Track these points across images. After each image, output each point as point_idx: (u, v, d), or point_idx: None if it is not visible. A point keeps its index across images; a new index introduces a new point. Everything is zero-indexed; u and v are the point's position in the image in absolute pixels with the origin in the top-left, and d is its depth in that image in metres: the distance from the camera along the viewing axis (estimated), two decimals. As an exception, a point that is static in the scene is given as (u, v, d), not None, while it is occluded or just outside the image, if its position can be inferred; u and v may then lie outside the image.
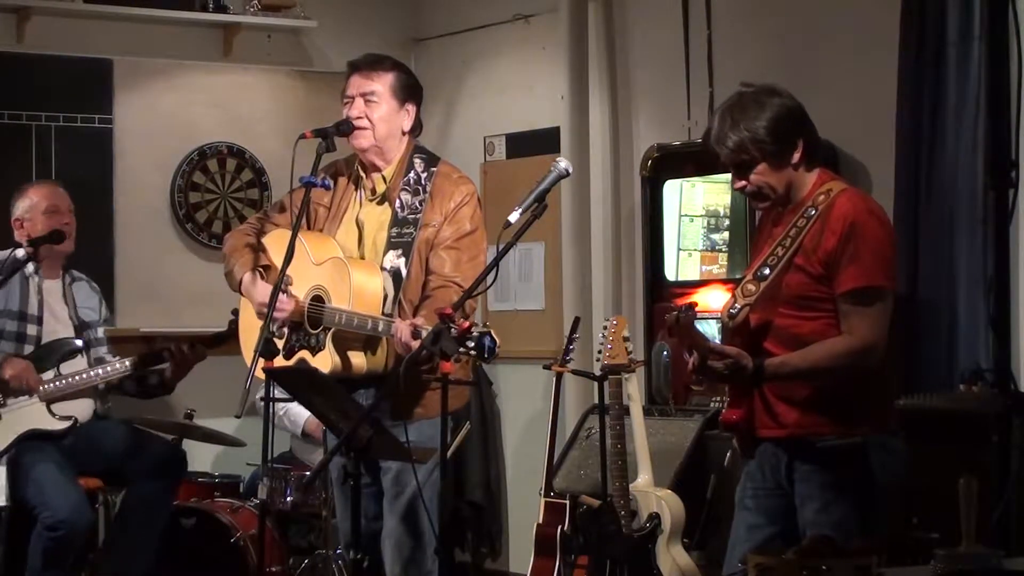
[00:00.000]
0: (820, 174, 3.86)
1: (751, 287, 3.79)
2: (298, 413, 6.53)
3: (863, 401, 3.77)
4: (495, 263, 4.01)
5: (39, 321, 5.69)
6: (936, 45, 5.43)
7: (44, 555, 5.43)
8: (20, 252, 5.69)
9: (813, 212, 3.78)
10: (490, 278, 4.08)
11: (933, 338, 5.40)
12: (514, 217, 4.02)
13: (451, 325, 3.88)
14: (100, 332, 5.88)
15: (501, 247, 4.00)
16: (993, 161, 4.83)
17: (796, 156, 3.80)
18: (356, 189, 4.70)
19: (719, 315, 3.97)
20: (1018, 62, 4.42)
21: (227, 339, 5.43)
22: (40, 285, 5.73)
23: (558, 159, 4.20)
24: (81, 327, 5.78)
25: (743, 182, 3.83)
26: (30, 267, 5.71)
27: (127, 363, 5.69)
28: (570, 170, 4.20)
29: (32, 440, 5.57)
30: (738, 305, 3.78)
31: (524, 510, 6.60)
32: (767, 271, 3.78)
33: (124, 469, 5.75)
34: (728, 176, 3.96)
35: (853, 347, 3.71)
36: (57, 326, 5.73)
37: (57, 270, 5.83)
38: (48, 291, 5.75)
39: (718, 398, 5.83)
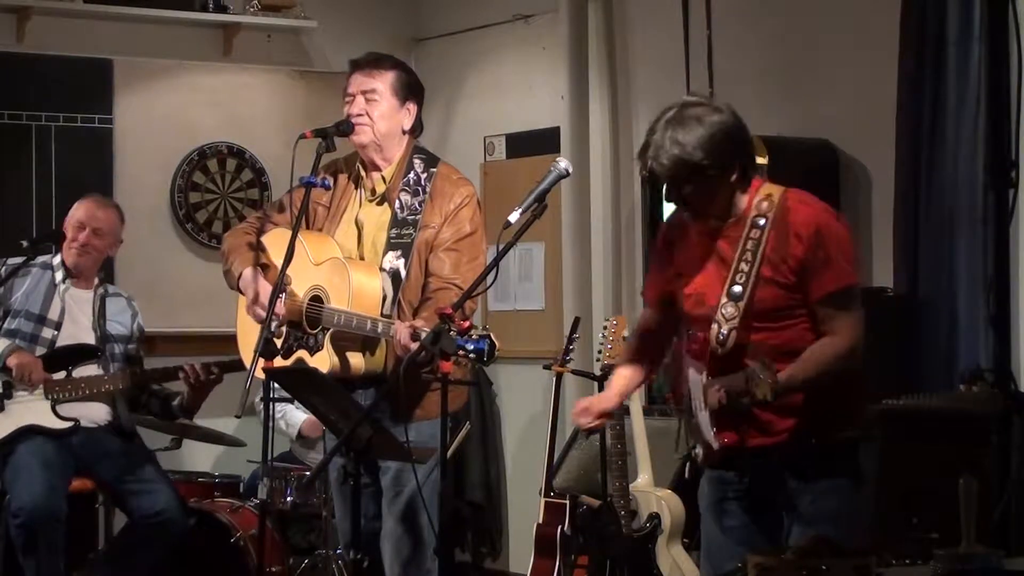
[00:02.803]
0: (753, 181, 3.77)
1: (731, 310, 3.69)
2: (294, 416, 6.53)
3: (847, 402, 3.76)
4: (495, 263, 4.01)
5: (57, 327, 5.66)
6: (936, 45, 5.43)
7: (17, 541, 5.41)
8: (55, 260, 5.70)
9: (763, 221, 3.70)
10: (490, 278, 4.07)
11: (933, 338, 5.40)
12: (514, 217, 4.01)
13: (451, 325, 3.88)
14: (130, 347, 5.80)
15: (501, 247, 4.00)
16: (993, 161, 4.83)
17: (733, 177, 3.71)
18: (356, 188, 4.69)
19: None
20: (1018, 62, 4.42)
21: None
22: (66, 293, 5.71)
23: (558, 159, 4.19)
24: (104, 338, 5.74)
25: (677, 197, 3.74)
26: (59, 275, 5.71)
27: (126, 372, 5.68)
28: (570, 170, 4.19)
29: (32, 433, 5.55)
30: (724, 330, 3.68)
31: (524, 510, 6.60)
32: (739, 289, 3.69)
33: (124, 498, 5.71)
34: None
35: (847, 348, 3.68)
36: (77, 333, 5.69)
37: (90, 281, 5.80)
38: (74, 299, 5.72)
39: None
